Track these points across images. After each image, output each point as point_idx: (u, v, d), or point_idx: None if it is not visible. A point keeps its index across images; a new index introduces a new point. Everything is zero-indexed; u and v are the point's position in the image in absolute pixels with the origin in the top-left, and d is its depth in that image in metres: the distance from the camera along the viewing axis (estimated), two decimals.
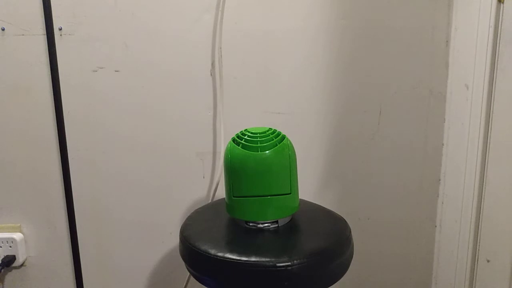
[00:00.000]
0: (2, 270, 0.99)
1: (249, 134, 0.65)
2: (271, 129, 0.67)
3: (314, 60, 0.95)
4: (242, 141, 0.64)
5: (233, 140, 0.68)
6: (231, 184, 0.66)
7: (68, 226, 1.00)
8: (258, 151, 0.63)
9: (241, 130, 0.69)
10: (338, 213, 0.75)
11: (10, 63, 0.93)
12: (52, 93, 0.94)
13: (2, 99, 0.95)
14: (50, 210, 1.01)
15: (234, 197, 0.65)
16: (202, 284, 0.64)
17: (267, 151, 0.63)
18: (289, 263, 0.57)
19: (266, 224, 0.66)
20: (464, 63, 0.90)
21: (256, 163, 0.63)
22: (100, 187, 1.00)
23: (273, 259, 0.57)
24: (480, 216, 0.88)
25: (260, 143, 0.63)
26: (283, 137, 0.66)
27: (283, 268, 0.56)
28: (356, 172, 1.00)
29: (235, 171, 0.64)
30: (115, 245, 1.03)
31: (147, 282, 1.05)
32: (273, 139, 0.64)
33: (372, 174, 1.00)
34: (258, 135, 0.65)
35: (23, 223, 1.01)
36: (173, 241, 1.03)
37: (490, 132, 0.84)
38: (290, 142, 0.67)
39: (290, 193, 0.65)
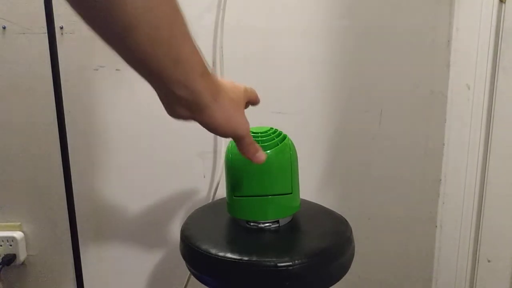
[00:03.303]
0: (2, 269, 0.99)
1: (251, 133, 0.65)
2: (272, 128, 0.67)
3: (315, 60, 0.94)
4: None
5: None
6: (232, 183, 0.65)
7: (68, 225, 1.00)
8: None
9: None
10: (339, 213, 0.75)
11: (11, 62, 0.93)
12: (53, 92, 0.94)
13: (3, 97, 0.95)
14: (51, 208, 1.01)
15: (235, 196, 0.65)
16: (203, 283, 0.64)
17: (268, 151, 0.63)
18: (290, 263, 0.57)
19: (267, 224, 0.66)
20: (466, 63, 0.90)
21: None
22: (100, 186, 1.00)
23: (274, 259, 0.57)
24: (481, 216, 0.88)
25: (261, 143, 0.63)
26: (284, 136, 0.66)
27: (284, 268, 0.56)
28: (357, 172, 1.00)
29: (236, 170, 0.64)
30: (115, 244, 1.03)
31: (147, 281, 1.05)
32: (274, 139, 0.64)
33: (372, 174, 1.00)
34: (259, 134, 0.64)
35: (23, 222, 1.01)
36: (173, 240, 1.03)
37: (491, 132, 0.84)
38: (291, 142, 0.67)
39: (291, 193, 0.65)
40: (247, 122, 0.51)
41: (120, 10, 0.32)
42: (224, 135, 0.49)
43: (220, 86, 0.45)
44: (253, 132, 0.65)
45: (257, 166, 0.62)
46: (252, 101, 0.59)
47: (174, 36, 0.36)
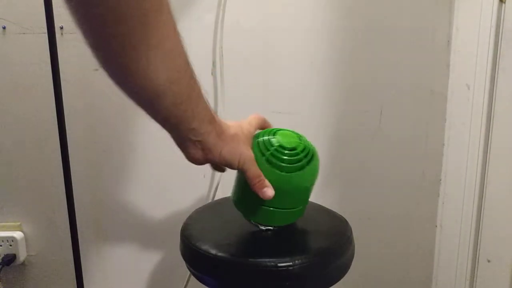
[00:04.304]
0: (2, 269, 0.99)
1: (276, 146, 0.57)
2: (301, 143, 0.60)
3: (315, 60, 0.94)
4: (267, 154, 0.57)
5: (258, 144, 0.58)
6: (243, 191, 0.61)
7: (68, 225, 1.00)
8: (282, 171, 0.57)
9: (272, 129, 0.63)
10: (339, 213, 0.75)
11: (11, 62, 0.93)
12: (53, 92, 0.94)
13: (3, 98, 0.95)
14: (51, 208, 1.01)
15: (243, 200, 0.64)
16: (203, 283, 0.64)
17: (292, 173, 0.58)
18: (291, 263, 0.56)
19: (268, 227, 0.66)
20: (465, 63, 0.90)
21: (277, 182, 0.57)
22: (100, 186, 1.00)
23: (274, 259, 0.57)
24: (481, 216, 0.88)
25: (287, 162, 0.57)
26: (313, 155, 0.60)
27: (284, 268, 0.56)
28: (357, 172, 1.00)
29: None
30: (115, 245, 1.03)
31: (147, 281, 1.05)
32: (301, 159, 0.58)
33: (372, 174, 1.00)
34: (286, 152, 0.57)
35: (23, 222, 1.01)
36: (173, 241, 1.02)
37: (491, 132, 0.84)
38: (318, 159, 0.62)
39: (301, 207, 0.64)
40: (251, 154, 0.56)
41: (146, 86, 0.44)
42: (232, 165, 0.55)
43: (222, 126, 0.53)
44: (281, 146, 0.58)
45: (277, 185, 0.57)
46: (262, 125, 0.66)
47: (191, 99, 0.47)
